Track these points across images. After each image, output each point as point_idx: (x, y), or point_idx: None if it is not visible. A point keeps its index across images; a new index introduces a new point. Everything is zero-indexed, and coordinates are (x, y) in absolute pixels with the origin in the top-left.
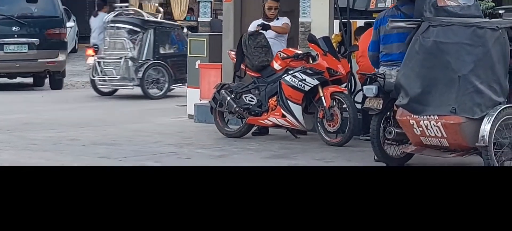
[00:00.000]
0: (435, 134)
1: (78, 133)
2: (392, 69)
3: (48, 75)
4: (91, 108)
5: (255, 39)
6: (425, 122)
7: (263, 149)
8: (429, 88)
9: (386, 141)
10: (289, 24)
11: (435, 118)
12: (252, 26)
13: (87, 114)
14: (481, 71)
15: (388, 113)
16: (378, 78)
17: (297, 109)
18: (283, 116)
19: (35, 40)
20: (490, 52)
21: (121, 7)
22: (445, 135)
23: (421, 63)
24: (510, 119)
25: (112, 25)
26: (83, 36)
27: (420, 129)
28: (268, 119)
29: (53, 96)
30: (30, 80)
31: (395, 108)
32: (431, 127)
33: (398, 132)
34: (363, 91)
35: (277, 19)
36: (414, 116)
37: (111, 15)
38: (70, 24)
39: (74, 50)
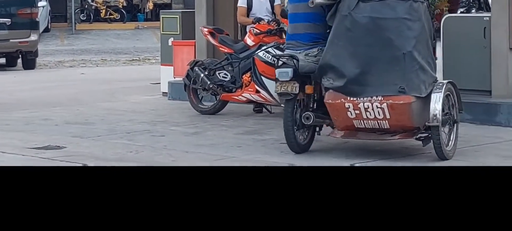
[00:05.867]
0: (375, 116)
1: (51, 112)
2: (299, 52)
3: (20, 55)
4: (64, 88)
5: None
6: (365, 104)
7: (237, 125)
8: (368, 67)
9: (296, 127)
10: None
11: (379, 99)
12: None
13: (60, 94)
14: (420, 47)
15: (301, 97)
16: (293, 60)
17: (271, 84)
18: (257, 91)
19: (7, 20)
20: (425, 26)
21: None
22: (388, 116)
23: (356, 42)
24: (448, 95)
25: None
26: (56, 15)
27: (357, 111)
28: (242, 95)
29: (25, 76)
30: (2, 60)
31: (307, 90)
32: (373, 109)
33: (317, 117)
34: (276, 75)
35: None
36: (351, 99)
37: None
38: (42, 3)
39: (46, 30)
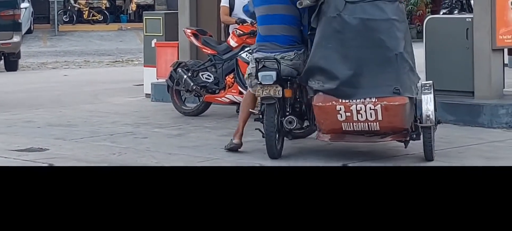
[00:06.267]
0: (366, 118)
1: (34, 114)
2: (275, 55)
3: (3, 57)
4: (46, 90)
5: None
6: (358, 106)
7: (221, 126)
8: (360, 69)
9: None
10: None
11: (373, 100)
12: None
13: (43, 96)
14: (408, 47)
15: (283, 101)
16: (274, 62)
17: None
18: (241, 93)
19: None
20: (408, 27)
21: None
22: (380, 118)
23: (347, 43)
24: None
25: None
26: (39, 16)
27: (348, 114)
28: (226, 96)
29: (8, 78)
30: None
31: (286, 94)
32: (365, 111)
33: (299, 121)
34: (258, 79)
35: None
36: (343, 101)
37: None
38: (24, 4)
39: (29, 31)
